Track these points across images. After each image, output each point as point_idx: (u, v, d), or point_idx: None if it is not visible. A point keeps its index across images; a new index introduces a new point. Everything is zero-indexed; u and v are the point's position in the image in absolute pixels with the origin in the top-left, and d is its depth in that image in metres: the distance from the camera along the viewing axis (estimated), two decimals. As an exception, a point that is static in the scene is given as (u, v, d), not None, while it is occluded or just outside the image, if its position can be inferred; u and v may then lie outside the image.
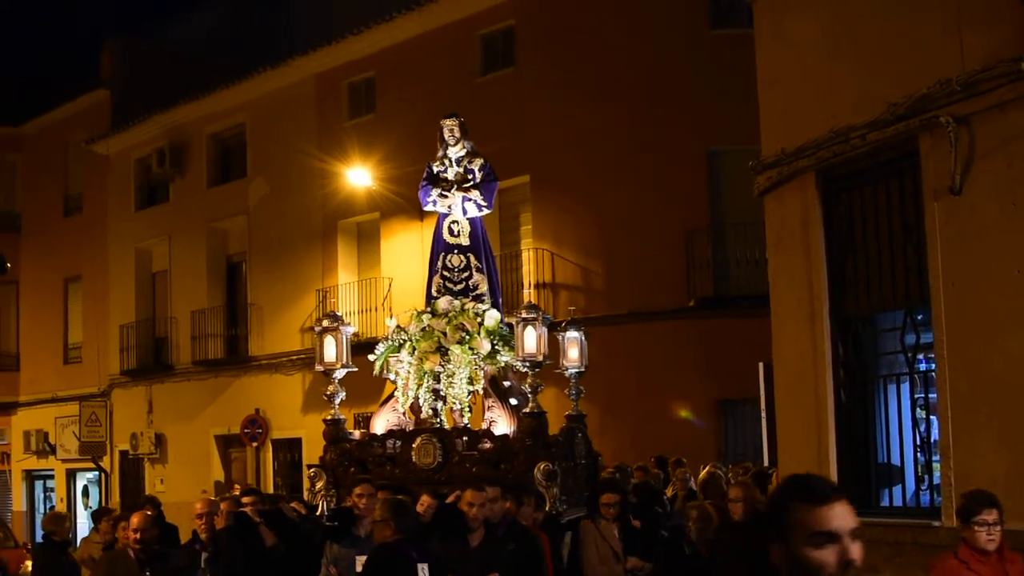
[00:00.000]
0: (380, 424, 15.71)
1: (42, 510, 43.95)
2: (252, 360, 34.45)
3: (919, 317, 11.29)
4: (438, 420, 15.11)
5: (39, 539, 29.59)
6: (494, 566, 10.75)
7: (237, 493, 15.77)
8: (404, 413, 15.65)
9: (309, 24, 37.43)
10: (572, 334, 15.33)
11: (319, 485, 14.94)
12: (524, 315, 14.36)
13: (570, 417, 15.38)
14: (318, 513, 13.37)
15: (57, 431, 40.50)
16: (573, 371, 15.41)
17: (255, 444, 33.30)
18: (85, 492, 41.75)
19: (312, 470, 15.39)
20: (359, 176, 30.19)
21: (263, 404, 33.39)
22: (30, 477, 44.09)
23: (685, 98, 25.42)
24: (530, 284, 26.99)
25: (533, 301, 25.84)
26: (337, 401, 15.38)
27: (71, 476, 42.03)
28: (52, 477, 43.00)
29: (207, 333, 35.97)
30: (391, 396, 15.85)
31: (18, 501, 43.90)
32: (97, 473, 40.01)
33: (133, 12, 58.74)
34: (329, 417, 15.51)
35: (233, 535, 12.60)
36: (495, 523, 11.11)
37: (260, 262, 34.78)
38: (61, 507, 40.90)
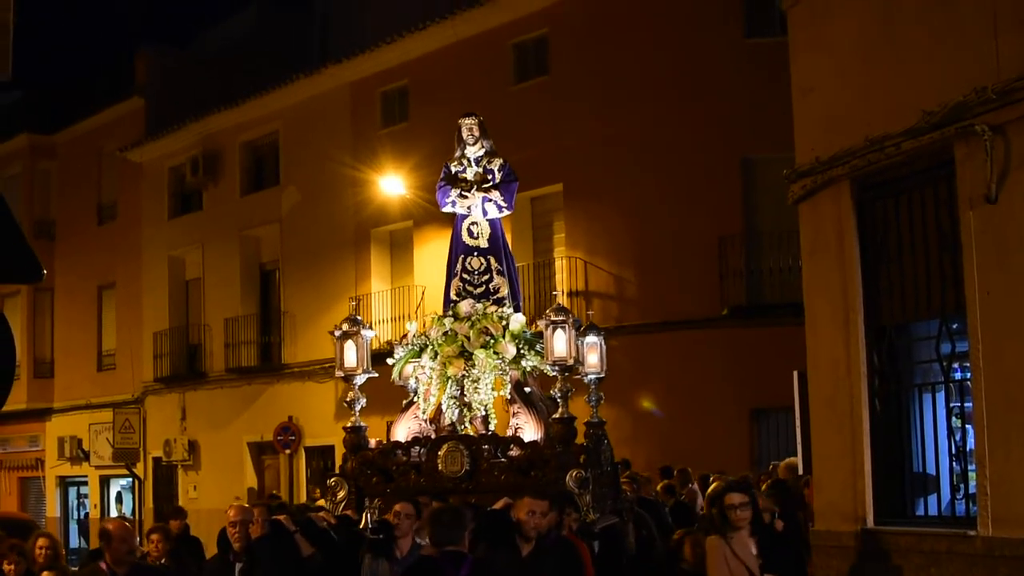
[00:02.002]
0: (401, 431, 15.30)
1: (76, 516, 44.18)
2: (285, 368, 34.56)
3: (954, 326, 11.24)
4: (463, 426, 14.81)
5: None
6: None
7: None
8: (426, 420, 15.25)
9: (343, 32, 37.54)
10: (592, 339, 14.97)
11: (340, 495, 14.51)
12: (553, 318, 13.97)
13: (590, 424, 15.00)
14: (361, 525, 12.98)
15: (91, 437, 40.70)
16: (593, 376, 15.04)
17: (288, 451, 33.41)
18: (119, 499, 41.92)
19: (333, 479, 14.92)
20: (392, 184, 30.29)
21: (296, 411, 33.49)
22: (64, 483, 44.30)
23: (719, 106, 25.40)
24: (563, 292, 26.98)
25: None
26: (358, 408, 14.96)
27: (105, 482, 42.20)
28: (86, 483, 43.18)
29: (240, 341, 36.13)
30: (411, 403, 15.50)
31: (52, 507, 44.13)
32: (131, 480, 40.16)
33: (167, 21, 59.07)
34: (349, 424, 15.07)
35: (270, 544, 12.10)
36: (543, 534, 10.89)
37: (293, 270, 34.89)
38: (95, 514, 41.12)
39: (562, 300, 26.07)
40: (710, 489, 15.58)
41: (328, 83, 33.99)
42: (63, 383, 43.58)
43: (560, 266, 27.68)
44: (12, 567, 12.62)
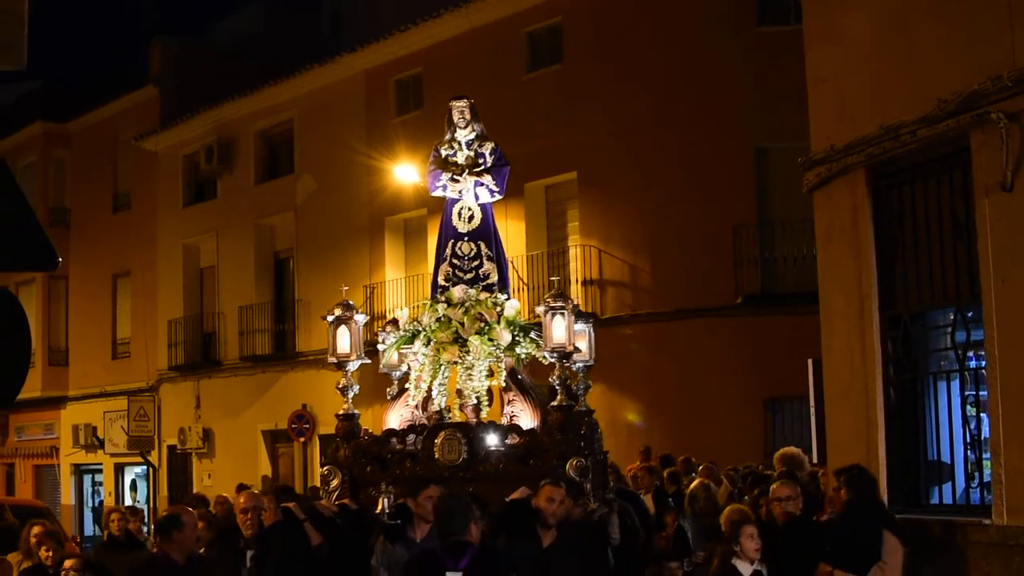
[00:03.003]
0: (393, 419, 14.90)
1: (90, 504, 44.30)
2: (299, 356, 34.57)
3: (969, 314, 11.24)
4: (449, 414, 14.34)
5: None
6: (570, 567, 10.47)
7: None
8: (417, 407, 14.71)
9: (356, 21, 37.54)
10: (580, 326, 14.71)
11: (334, 483, 14.11)
12: (551, 303, 13.61)
13: (579, 412, 14.76)
14: (378, 510, 12.65)
15: (105, 425, 40.76)
16: (581, 364, 14.64)
17: (302, 439, 33.44)
18: (133, 486, 42.01)
19: (325, 468, 14.48)
20: (406, 173, 30.23)
21: (310, 399, 33.51)
22: (78, 471, 44.37)
23: (733, 94, 25.37)
24: (577, 281, 27.00)
25: (580, 298, 25.99)
26: (350, 395, 14.58)
27: (119, 470, 42.26)
28: (100, 471, 43.25)
29: (254, 329, 36.14)
30: (403, 390, 14.99)
31: (67, 495, 44.19)
32: (145, 468, 40.24)
33: (182, 10, 59.07)
34: (342, 412, 14.67)
35: (283, 532, 11.98)
36: (562, 521, 10.79)
37: (307, 258, 34.92)
38: (109, 501, 41.22)
39: (576, 288, 26.24)
40: (693, 486, 15.28)
41: (342, 71, 33.99)
42: (78, 371, 43.66)
43: (574, 254, 27.66)
44: (50, 554, 12.69)
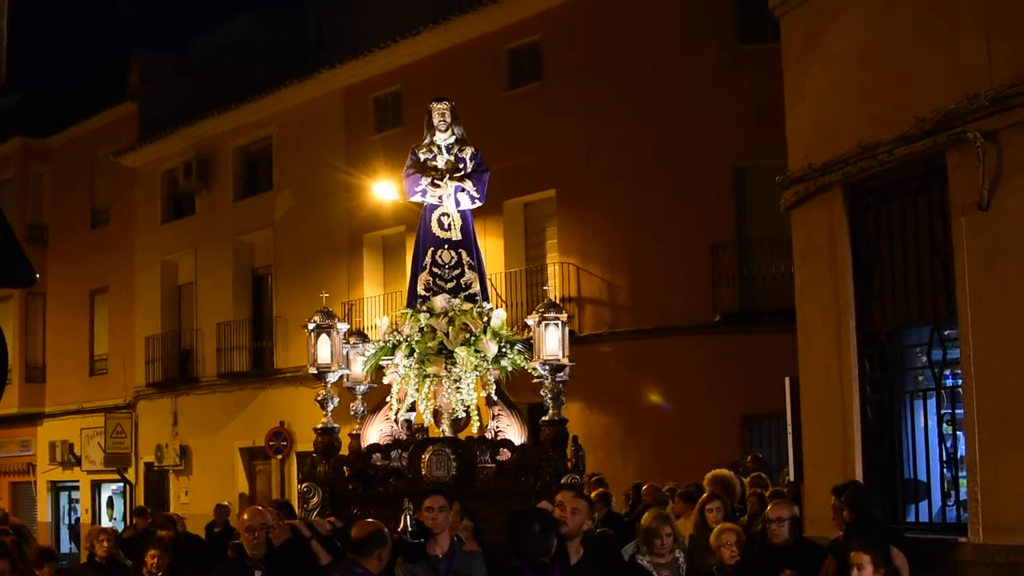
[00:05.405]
0: (373, 435, 14.36)
1: (67, 521, 44.13)
2: (277, 373, 34.50)
3: (946, 333, 11.27)
4: (441, 430, 13.79)
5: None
6: None
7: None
8: (397, 422, 14.22)
9: (336, 38, 37.53)
10: None
11: (313, 501, 13.59)
12: (545, 313, 13.21)
13: (566, 429, 14.38)
14: (400, 528, 12.04)
15: (82, 442, 40.58)
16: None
17: (279, 457, 33.35)
18: (110, 504, 41.84)
19: (304, 485, 13.92)
20: (385, 190, 30.17)
21: (288, 417, 33.42)
22: (55, 488, 44.21)
23: (712, 112, 25.38)
24: (556, 298, 26.95)
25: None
26: (330, 408, 14.02)
27: (96, 487, 42.12)
28: (77, 488, 43.10)
29: (232, 345, 36.07)
30: (383, 404, 14.43)
31: (43, 512, 44.02)
32: (122, 485, 40.08)
33: (161, 26, 59.00)
34: (320, 426, 14.10)
35: (295, 551, 11.26)
36: (585, 536, 10.27)
37: (286, 275, 34.86)
38: (86, 519, 41.07)
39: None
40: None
41: (322, 88, 33.98)
42: (55, 388, 43.48)
43: (552, 272, 27.65)
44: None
